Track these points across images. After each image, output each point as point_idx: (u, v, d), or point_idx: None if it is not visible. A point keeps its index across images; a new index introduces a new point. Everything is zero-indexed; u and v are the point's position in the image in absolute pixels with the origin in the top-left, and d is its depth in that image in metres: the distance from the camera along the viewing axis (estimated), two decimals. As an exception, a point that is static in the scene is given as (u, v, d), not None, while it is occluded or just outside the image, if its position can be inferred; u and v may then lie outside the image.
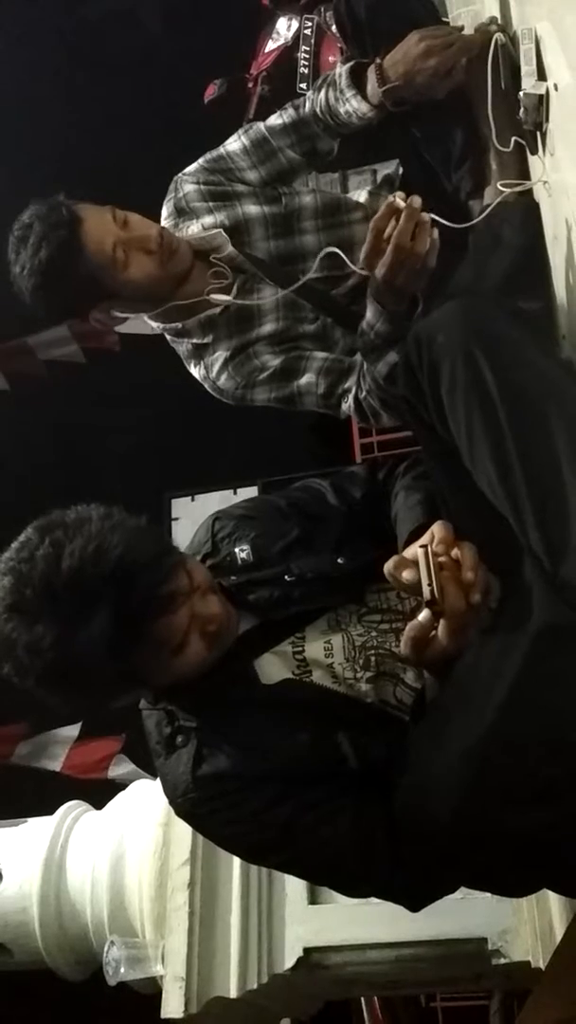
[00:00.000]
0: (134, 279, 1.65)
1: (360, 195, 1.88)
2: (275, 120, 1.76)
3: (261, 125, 1.77)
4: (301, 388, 1.73)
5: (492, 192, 1.66)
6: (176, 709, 1.23)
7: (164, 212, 1.82)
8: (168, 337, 1.84)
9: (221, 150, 1.79)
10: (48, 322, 1.71)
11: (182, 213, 1.79)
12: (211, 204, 1.76)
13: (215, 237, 1.72)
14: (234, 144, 1.78)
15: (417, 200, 1.38)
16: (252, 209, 1.76)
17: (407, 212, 1.38)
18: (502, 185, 1.57)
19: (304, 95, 1.78)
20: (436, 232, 1.41)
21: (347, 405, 1.72)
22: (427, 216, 1.40)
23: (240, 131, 1.79)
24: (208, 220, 1.76)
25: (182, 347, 1.83)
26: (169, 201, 1.81)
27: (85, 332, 4.70)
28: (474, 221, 1.56)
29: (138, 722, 1.29)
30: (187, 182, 1.79)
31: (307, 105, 1.74)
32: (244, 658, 1.25)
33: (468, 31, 1.70)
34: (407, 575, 1.06)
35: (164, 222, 1.81)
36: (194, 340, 1.79)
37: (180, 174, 1.81)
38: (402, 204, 1.38)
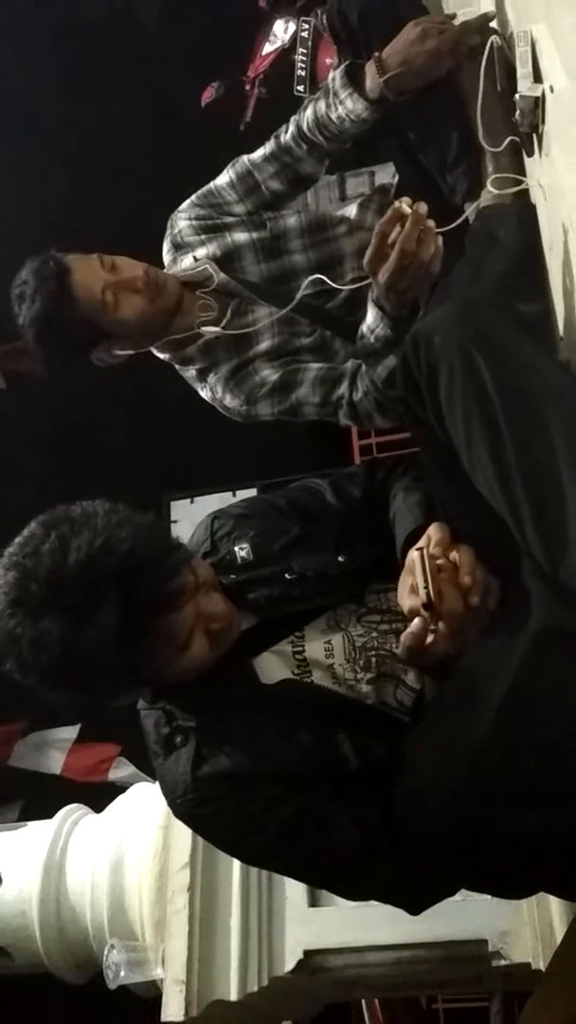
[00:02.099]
0: (126, 318, 1.74)
1: (350, 209, 1.93)
2: (258, 152, 1.84)
3: (246, 158, 1.85)
4: (299, 399, 1.78)
5: (487, 194, 1.66)
6: (174, 709, 1.22)
7: (164, 248, 1.94)
8: (176, 367, 1.92)
9: (211, 185, 1.88)
10: (53, 370, 1.82)
11: (178, 248, 1.90)
12: (203, 237, 1.87)
13: (203, 272, 1.81)
14: (223, 179, 1.87)
15: (423, 206, 1.39)
16: (241, 237, 1.84)
17: (413, 217, 1.38)
18: (492, 183, 1.56)
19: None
20: (440, 239, 1.42)
21: (343, 412, 1.75)
22: (432, 223, 1.40)
23: (229, 165, 1.86)
24: (201, 252, 1.86)
25: (188, 373, 1.91)
26: (167, 238, 1.93)
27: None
28: (460, 219, 1.54)
29: (137, 726, 1.29)
30: (180, 219, 1.90)
31: (290, 128, 1.79)
32: (243, 657, 1.24)
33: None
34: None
35: (165, 256, 1.93)
36: (197, 366, 1.87)
37: (175, 212, 1.92)
38: (408, 209, 1.39)
